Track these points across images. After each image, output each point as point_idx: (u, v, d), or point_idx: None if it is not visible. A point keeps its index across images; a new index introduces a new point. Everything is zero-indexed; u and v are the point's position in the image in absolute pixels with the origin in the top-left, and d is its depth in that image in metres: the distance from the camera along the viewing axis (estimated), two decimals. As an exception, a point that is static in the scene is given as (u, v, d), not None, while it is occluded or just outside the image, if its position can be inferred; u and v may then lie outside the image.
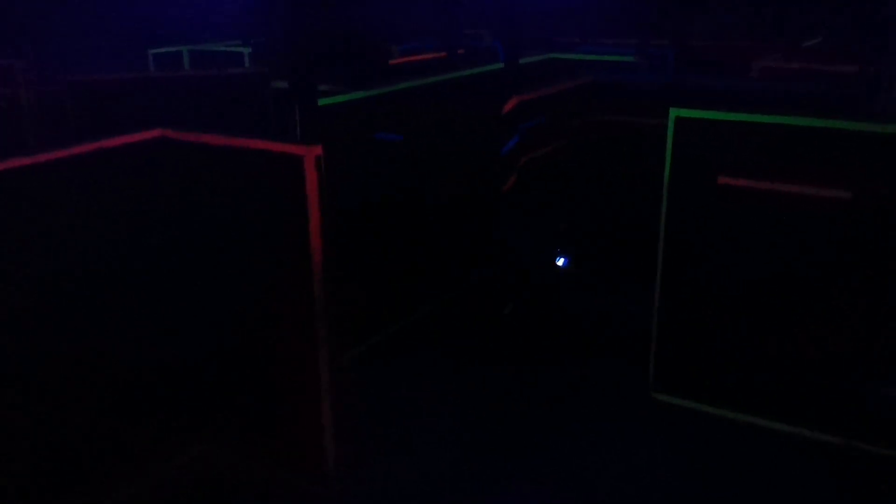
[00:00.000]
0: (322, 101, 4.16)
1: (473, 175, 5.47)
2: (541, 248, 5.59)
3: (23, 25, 9.21)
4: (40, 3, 9.77)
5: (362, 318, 4.74)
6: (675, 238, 4.12)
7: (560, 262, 5.13)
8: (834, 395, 3.89)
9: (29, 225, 3.10)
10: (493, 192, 5.17)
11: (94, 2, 10.02)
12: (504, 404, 4.39)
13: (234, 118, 4.86)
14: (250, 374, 3.72)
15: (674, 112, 4.00)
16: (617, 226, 5.58)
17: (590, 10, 9.62)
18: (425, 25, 8.68)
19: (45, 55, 8.33)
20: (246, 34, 8.06)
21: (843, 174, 3.69)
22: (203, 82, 5.31)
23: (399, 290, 5.12)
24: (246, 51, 7.62)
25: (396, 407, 4.37)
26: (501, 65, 5.54)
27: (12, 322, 3.06)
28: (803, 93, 5.17)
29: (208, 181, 3.59)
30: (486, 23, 9.25)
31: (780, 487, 3.68)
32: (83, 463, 3.43)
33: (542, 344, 5.07)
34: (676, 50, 6.61)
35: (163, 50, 7.97)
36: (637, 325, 4.53)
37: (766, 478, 3.75)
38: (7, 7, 9.57)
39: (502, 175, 5.12)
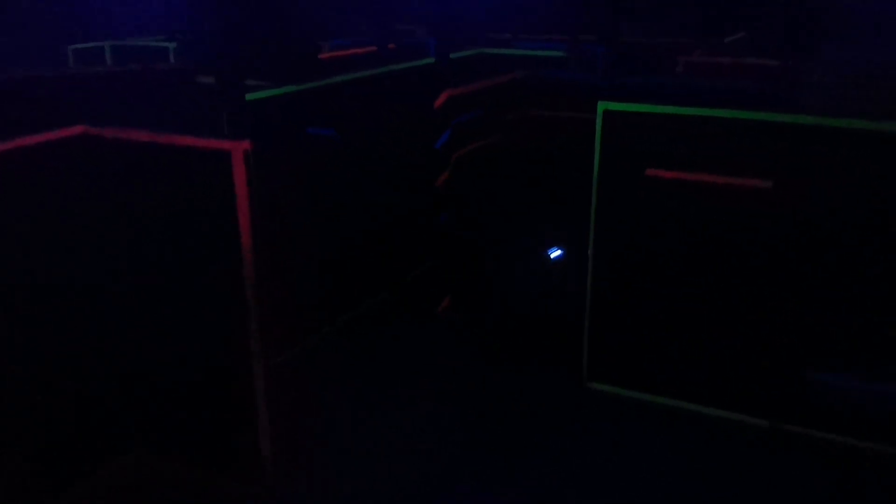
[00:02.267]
0: (250, 96, 4.09)
1: (407, 170, 5.45)
2: (476, 242, 5.61)
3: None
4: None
5: (297, 318, 4.67)
6: (605, 229, 4.19)
7: (555, 253, 5.14)
8: (762, 380, 4.01)
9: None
10: (427, 186, 5.16)
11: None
12: (442, 403, 4.39)
13: (160, 115, 4.73)
14: (184, 377, 3.63)
15: (602, 106, 4.06)
16: (549, 219, 5.63)
17: (520, 6, 9.68)
18: (356, 20, 8.61)
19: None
20: (171, 29, 7.86)
21: (764, 164, 3.80)
22: (126, 78, 5.15)
23: (334, 288, 5.07)
24: (171, 46, 7.42)
25: (334, 408, 4.32)
26: (433, 60, 5.53)
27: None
28: (727, 86, 5.30)
29: (132, 179, 3.48)
30: (418, 18, 9.23)
31: (712, 470, 3.77)
32: (13, 470, 3.29)
33: (477, 337, 5.09)
34: (605, 46, 6.69)
35: (83, 45, 7.70)
36: (570, 317, 4.58)
37: (697, 461, 3.84)
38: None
39: (436, 169, 5.11)
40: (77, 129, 3.46)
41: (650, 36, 8.47)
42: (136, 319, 3.62)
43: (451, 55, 5.35)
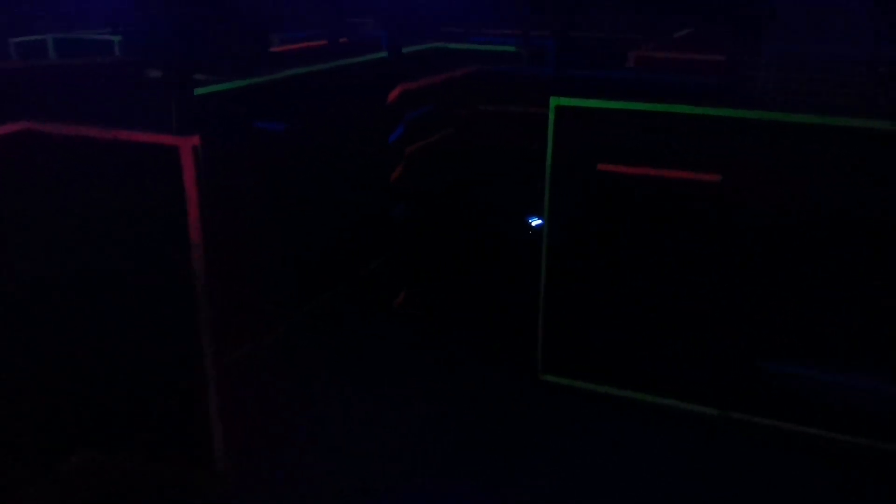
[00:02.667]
0: (198, 91, 4.02)
1: (361, 164, 5.43)
2: (431, 235, 5.61)
3: None
4: None
5: (251, 314, 4.62)
6: (558, 224, 4.22)
7: (535, 222, 5.11)
8: (713, 369, 4.09)
9: None
10: (382, 180, 5.14)
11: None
12: (398, 398, 4.39)
13: (106, 110, 4.62)
14: (136, 375, 3.57)
15: (554, 101, 4.09)
16: (503, 213, 5.66)
17: (472, 1, 9.70)
18: (307, 13, 8.53)
19: None
20: (116, 21, 7.69)
21: (712, 158, 3.87)
22: (71, 72, 5.02)
23: (288, 283, 5.02)
24: (116, 39, 7.26)
25: (289, 403, 4.29)
26: (385, 54, 5.51)
27: None
28: (676, 81, 5.38)
29: (78, 176, 3.40)
30: (370, 11, 9.19)
31: (663, 458, 3.84)
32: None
33: (433, 331, 5.10)
34: (556, 41, 6.75)
35: (26, 39, 7.49)
36: (524, 311, 4.61)
37: (651, 451, 3.90)
38: None
39: (390, 164, 5.10)
40: (20, 126, 3.36)
41: (600, 31, 8.56)
42: (83, 318, 3.54)
43: (404, 50, 5.33)
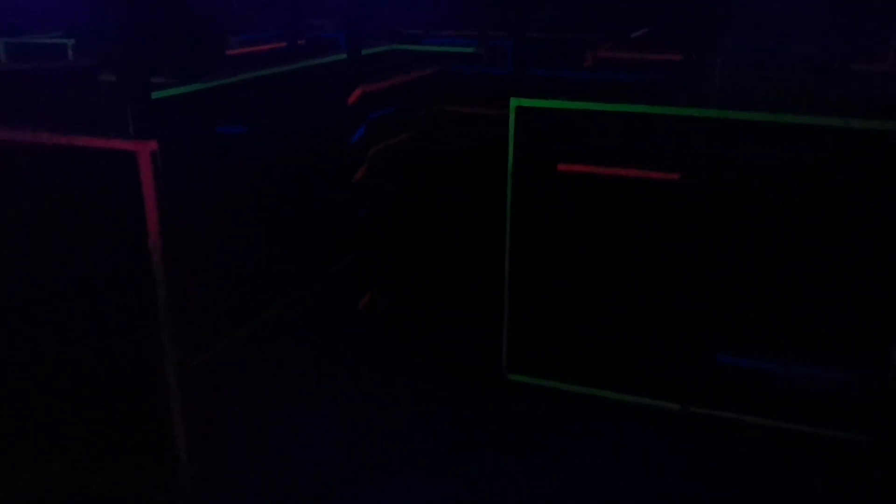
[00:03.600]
0: (156, 94, 3.96)
1: (323, 166, 5.40)
2: (395, 237, 5.60)
3: None
4: None
5: (214, 318, 4.57)
6: (520, 223, 4.24)
7: None
8: (673, 364, 4.14)
9: None
10: (345, 182, 5.12)
11: None
12: (366, 400, 4.37)
13: (60, 115, 4.54)
14: (96, 384, 3.51)
15: (514, 101, 4.11)
16: (466, 214, 5.68)
17: (430, 1, 9.71)
18: (265, 15, 8.46)
19: None
20: (69, 25, 7.55)
21: (670, 157, 3.92)
22: (22, 77, 4.92)
23: (251, 287, 4.98)
24: (69, 43, 7.13)
25: (255, 410, 4.25)
26: (344, 55, 5.48)
27: None
28: (633, 81, 5.45)
29: (32, 183, 3.33)
30: (328, 12, 9.14)
31: (627, 454, 3.89)
32: None
33: (398, 332, 5.10)
34: (515, 41, 6.78)
35: (-26, 42, 7.32)
36: (489, 311, 4.63)
37: (615, 448, 3.95)
38: None
39: (352, 165, 5.08)
40: (-32, 132, 3.28)
41: (558, 31, 8.63)
42: (42, 325, 3.47)
43: (363, 52, 5.32)
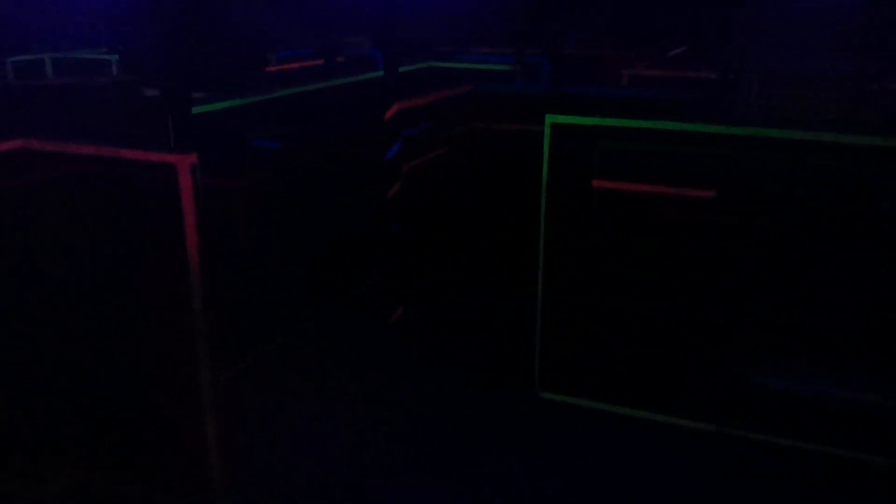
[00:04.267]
0: (196, 109, 4.04)
1: (358, 182, 5.44)
2: (429, 250, 5.62)
3: None
4: None
5: (246, 331, 4.61)
6: (554, 240, 4.23)
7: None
8: (708, 384, 4.09)
9: None
10: (379, 197, 5.16)
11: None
12: (395, 415, 4.38)
13: (104, 128, 4.64)
14: (127, 394, 3.56)
15: (549, 118, 4.12)
16: (500, 230, 5.68)
17: (467, 19, 9.78)
18: (303, 33, 8.58)
19: None
20: (113, 41, 7.73)
21: (707, 174, 3.89)
22: (68, 91, 5.05)
23: (284, 300, 5.02)
24: (113, 59, 7.29)
25: (285, 423, 4.27)
26: (381, 72, 5.54)
27: None
28: (670, 98, 5.43)
29: (75, 193, 3.41)
30: (364, 30, 9.24)
31: (663, 476, 3.84)
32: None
33: (430, 349, 5.10)
34: (551, 59, 6.80)
35: (23, 58, 7.51)
36: (522, 327, 4.61)
37: (649, 467, 3.90)
38: None
39: (387, 181, 5.12)
40: (17, 143, 3.37)
41: (594, 48, 8.63)
42: (79, 334, 3.53)
43: (400, 69, 5.37)
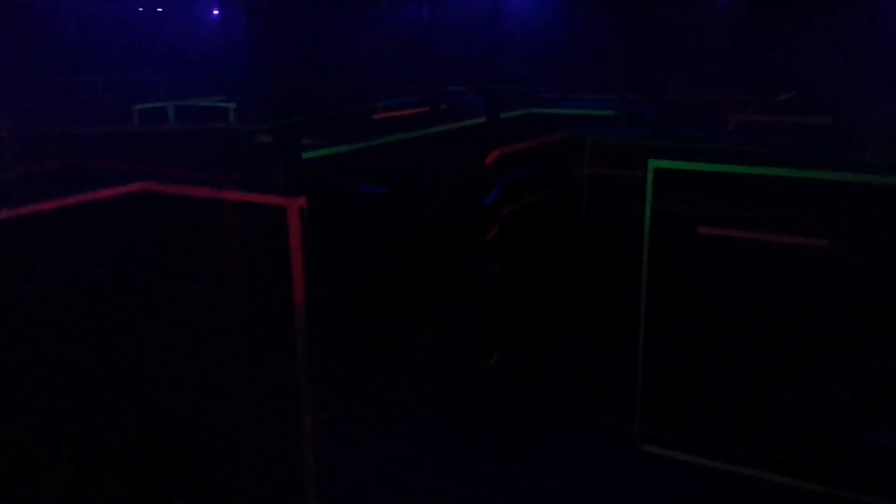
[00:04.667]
0: (306, 155, 4.21)
1: (457, 226, 5.51)
2: (526, 295, 5.60)
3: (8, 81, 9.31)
4: (25, 63, 9.92)
5: (347, 370, 4.71)
6: (656, 288, 4.15)
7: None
8: (819, 442, 3.89)
9: (9, 281, 3.08)
10: (477, 242, 5.20)
11: (77, 65, 10.18)
12: (491, 460, 4.34)
13: (219, 171, 4.89)
14: (230, 429, 3.66)
15: (653, 164, 4.08)
16: (599, 277, 5.61)
17: (567, 65, 9.83)
18: (409, 82, 8.82)
19: (33, 110, 8.38)
20: (231, 90, 8.15)
21: (819, 223, 3.75)
22: (188, 136, 5.35)
23: (383, 341, 5.10)
24: (230, 106, 7.70)
25: (382, 463, 4.30)
26: (483, 119, 5.63)
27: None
28: (779, 144, 5.28)
29: (191, 234, 3.58)
30: (468, 78, 9.42)
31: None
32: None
33: (528, 395, 5.05)
34: (654, 104, 6.75)
35: (148, 105, 8.03)
36: (622, 377, 4.52)
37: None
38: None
39: (486, 226, 5.16)
40: (138, 186, 3.59)
41: (701, 93, 8.50)
42: (186, 370, 3.66)
43: (502, 115, 5.44)
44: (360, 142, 4.77)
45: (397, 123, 6.19)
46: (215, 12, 12.10)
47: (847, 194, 3.68)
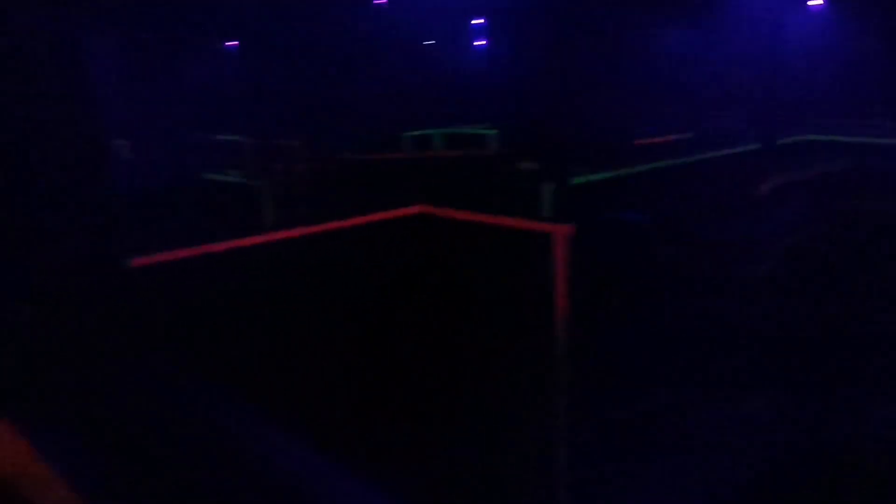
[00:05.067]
0: (574, 181, 4.23)
1: (725, 257, 5.25)
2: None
3: (302, 113, 10.40)
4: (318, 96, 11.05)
5: (600, 393, 4.62)
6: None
7: None
8: None
9: (303, 294, 3.39)
10: (750, 277, 4.92)
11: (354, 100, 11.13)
12: None
13: (485, 196, 5.08)
14: (487, 435, 3.73)
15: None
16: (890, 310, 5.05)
17: (850, 89, 9.03)
18: (671, 108, 8.59)
19: (319, 137, 9.28)
20: (494, 119, 8.44)
21: None
22: (455, 162, 5.62)
23: (639, 370, 4.96)
24: (493, 133, 7.96)
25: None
26: (755, 145, 5.34)
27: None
28: None
29: (462, 254, 3.74)
30: (736, 102, 8.99)
31: None
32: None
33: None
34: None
35: (418, 133, 8.56)
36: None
37: None
38: (291, 98, 10.93)
39: (760, 260, 4.87)
40: (416, 208, 3.82)
41: None
42: (447, 382, 3.80)
43: (778, 141, 5.13)
44: (624, 168, 4.71)
45: (660, 149, 6.04)
46: (480, 42, 12.62)
47: None
